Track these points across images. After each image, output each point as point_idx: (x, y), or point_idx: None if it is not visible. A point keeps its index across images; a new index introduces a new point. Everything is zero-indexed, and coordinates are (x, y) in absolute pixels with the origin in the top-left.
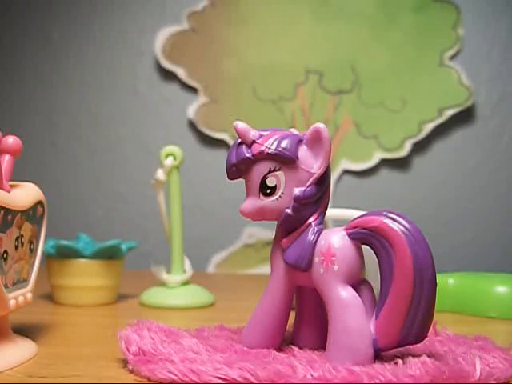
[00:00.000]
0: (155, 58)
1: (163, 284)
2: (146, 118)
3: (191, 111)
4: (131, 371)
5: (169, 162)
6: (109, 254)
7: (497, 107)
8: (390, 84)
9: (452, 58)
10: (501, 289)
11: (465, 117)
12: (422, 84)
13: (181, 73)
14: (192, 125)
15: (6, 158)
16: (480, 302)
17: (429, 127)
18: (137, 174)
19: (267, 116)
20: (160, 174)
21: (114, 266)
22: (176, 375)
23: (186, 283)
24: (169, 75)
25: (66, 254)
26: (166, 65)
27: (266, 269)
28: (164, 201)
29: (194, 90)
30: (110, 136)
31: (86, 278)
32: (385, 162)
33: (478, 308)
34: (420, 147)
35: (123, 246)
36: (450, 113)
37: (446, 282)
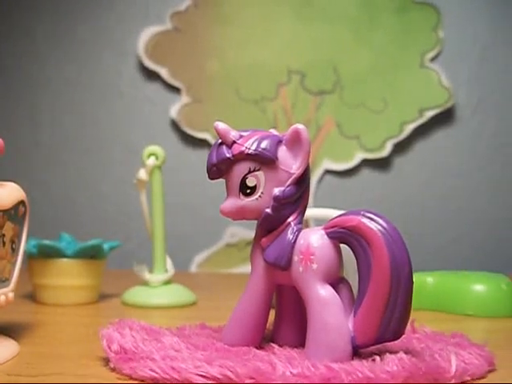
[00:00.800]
0: (138, 58)
1: (145, 283)
2: (129, 117)
3: (174, 111)
4: (113, 369)
5: (151, 161)
6: (91, 254)
7: (476, 108)
8: (371, 85)
9: (432, 59)
10: (478, 287)
11: (445, 118)
12: (403, 85)
13: (164, 73)
14: (174, 124)
15: None
16: (458, 300)
17: (410, 128)
18: (120, 174)
19: (250, 116)
20: (142, 174)
21: (95, 266)
22: (157, 373)
23: (167, 282)
24: (152, 75)
25: (47, 253)
26: (149, 64)
27: (248, 268)
28: (146, 200)
29: (176, 90)
30: (93, 135)
31: (67, 278)
32: (366, 162)
33: (456, 306)
34: (401, 148)
35: (105, 246)
36: (430, 114)
37: (425, 280)
